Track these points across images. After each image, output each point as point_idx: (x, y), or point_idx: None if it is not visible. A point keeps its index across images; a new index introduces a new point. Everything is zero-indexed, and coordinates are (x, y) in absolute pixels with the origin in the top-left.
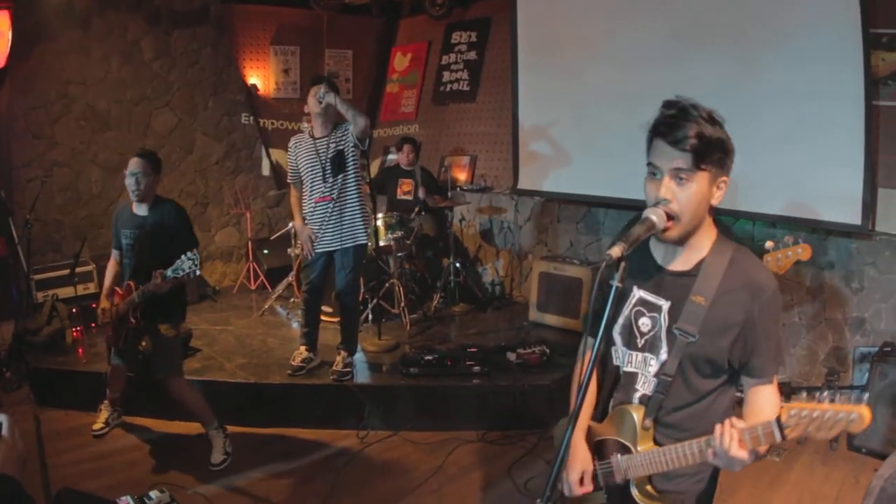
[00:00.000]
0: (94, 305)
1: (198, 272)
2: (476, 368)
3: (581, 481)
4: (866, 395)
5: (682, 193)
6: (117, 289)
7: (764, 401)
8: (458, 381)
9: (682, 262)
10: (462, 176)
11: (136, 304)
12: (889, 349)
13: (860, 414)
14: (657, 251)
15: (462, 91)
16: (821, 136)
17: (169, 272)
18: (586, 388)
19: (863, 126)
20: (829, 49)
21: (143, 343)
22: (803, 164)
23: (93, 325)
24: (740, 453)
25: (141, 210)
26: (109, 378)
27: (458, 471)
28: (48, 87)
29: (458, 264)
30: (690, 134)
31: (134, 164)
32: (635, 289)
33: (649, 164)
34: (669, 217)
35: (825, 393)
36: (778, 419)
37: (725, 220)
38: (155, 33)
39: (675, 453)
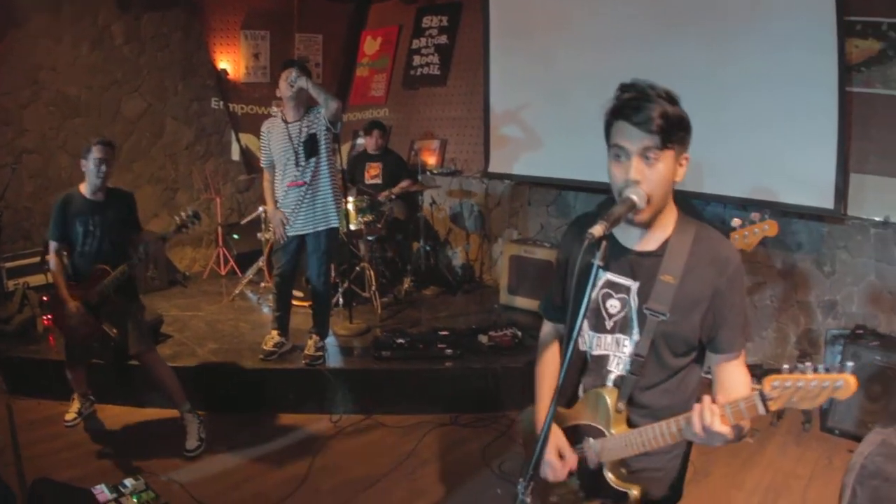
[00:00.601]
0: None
1: (198, 221)
2: (448, 351)
3: (560, 460)
4: (851, 364)
5: (652, 174)
6: (73, 283)
7: (734, 377)
8: (431, 364)
9: (647, 242)
10: (432, 160)
11: (118, 283)
12: (861, 332)
13: (846, 380)
14: (620, 233)
15: (433, 75)
16: (794, 120)
17: (171, 231)
18: (567, 369)
19: (836, 111)
20: (804, 35)
21: (114, 330)
22: (776, 149)
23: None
24: (723, 429)
25: (97, 196)
26: (71, 379)
27: (432, 454)
28: (17, 72)
29: (428, 248)
30: (655, 115)
31: (102, 151)
32: (601, 271)
33: (614, 145)
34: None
35: (808, 363)
36: (761, 391)
37: (696, 203)
38: (125, 18)
39: (653, 434)
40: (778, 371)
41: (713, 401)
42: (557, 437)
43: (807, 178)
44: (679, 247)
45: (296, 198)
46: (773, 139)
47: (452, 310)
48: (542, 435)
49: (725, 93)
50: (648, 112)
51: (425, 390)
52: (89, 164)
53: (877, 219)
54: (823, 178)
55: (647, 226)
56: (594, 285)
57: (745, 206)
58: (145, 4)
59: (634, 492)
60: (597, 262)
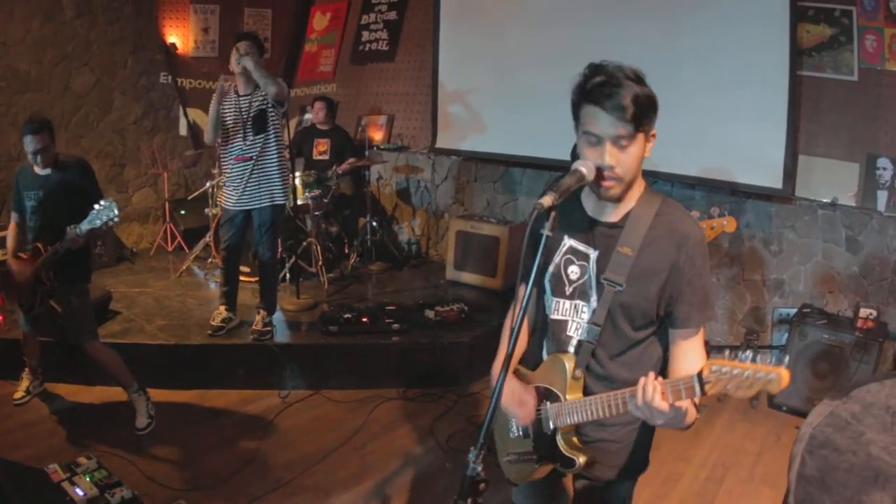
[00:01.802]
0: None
1: (116, 220)
2: (395, 326)
3: (521, 408)
4: (787, 358)
5: (625, 158)
6: (21, 254)
7: (688, 356)
8: (378, 339)
9: (611, 213)
10: (378, 135)
11: (49, 264)
12: (808, 311)
13: (778, 374)
14: (588, 202)
15: (381, 51)
16: (745, 101)
17: (84, 225)
18: (517, 335)
19: (786, 94)
20: (757, 18)
21: (59, 307)
22: (726, 129)
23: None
24: (661, 405)
25: (45, 170)
26: (23, 345)
27: (381, 428)
28: None
29: (374, 223)
30: (627, 102)
31: (33, 142)
32: (566, 238)
33: (587, 132)
34: (611, 178)
35: (748, 352)
36: (699, 374)
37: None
38: None
39: (602, 404)
40: (723, 349)
41: (656, 377)
42: (513, 385)
43: (756, 158)
44: (640, 220)
45: (241, 172)
46: (723, 119)
47: (399, 285)
48: (492, 402)
49: (676, 70)
50: (620, 99)
51: (373, 365)
52: (29, 157)
53: (824, 200)
54: (772, 158)
55: (618, 200)
56: (553, 253)
57: (693, 185)
58: None
59: (581, 459)
60: (546, 231)
